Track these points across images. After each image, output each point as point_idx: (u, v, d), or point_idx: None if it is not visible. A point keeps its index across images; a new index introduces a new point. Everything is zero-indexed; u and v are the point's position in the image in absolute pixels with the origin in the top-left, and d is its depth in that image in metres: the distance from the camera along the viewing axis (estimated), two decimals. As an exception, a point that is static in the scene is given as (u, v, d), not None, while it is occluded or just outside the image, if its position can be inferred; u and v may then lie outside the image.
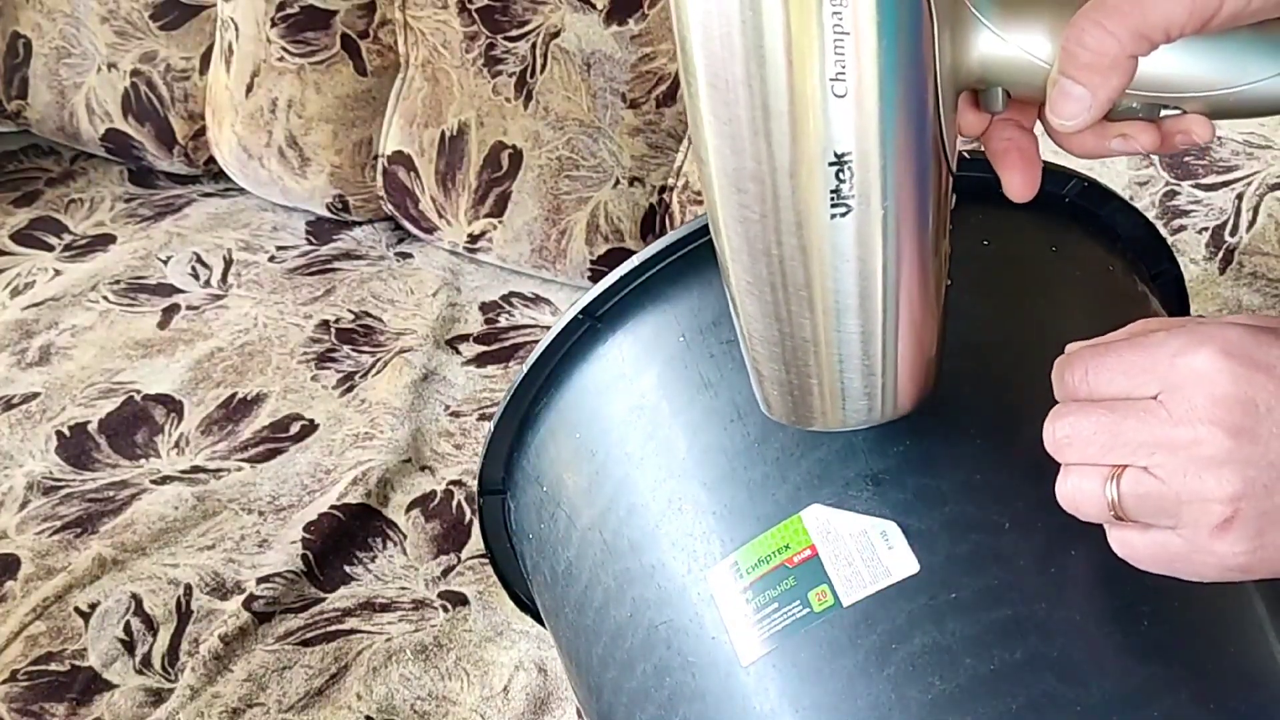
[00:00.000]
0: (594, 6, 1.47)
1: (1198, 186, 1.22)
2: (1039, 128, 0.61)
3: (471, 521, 1.28)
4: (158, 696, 1.12)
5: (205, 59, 1.74)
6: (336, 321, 1.54)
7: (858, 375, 0.63)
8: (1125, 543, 0.60)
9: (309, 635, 1.17)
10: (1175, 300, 0.90)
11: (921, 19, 0.52)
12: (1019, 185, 0.60)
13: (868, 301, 0.59)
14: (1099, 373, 0.59)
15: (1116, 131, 0.57)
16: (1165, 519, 0.58)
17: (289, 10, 1.61)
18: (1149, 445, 0.57)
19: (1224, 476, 0.56)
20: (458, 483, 1.32)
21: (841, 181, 0.54)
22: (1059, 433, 0.60)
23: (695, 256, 0.76)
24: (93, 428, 1.39)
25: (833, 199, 0.55)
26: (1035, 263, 0.79)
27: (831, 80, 0.51)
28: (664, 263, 0.75)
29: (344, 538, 1.26)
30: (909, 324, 0.62)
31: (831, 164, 0.54)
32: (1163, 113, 0.57)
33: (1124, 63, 0.53)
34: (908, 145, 0.54)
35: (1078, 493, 0.60)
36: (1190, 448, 0.56)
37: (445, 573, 1.23)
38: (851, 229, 0.56)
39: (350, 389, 1.44)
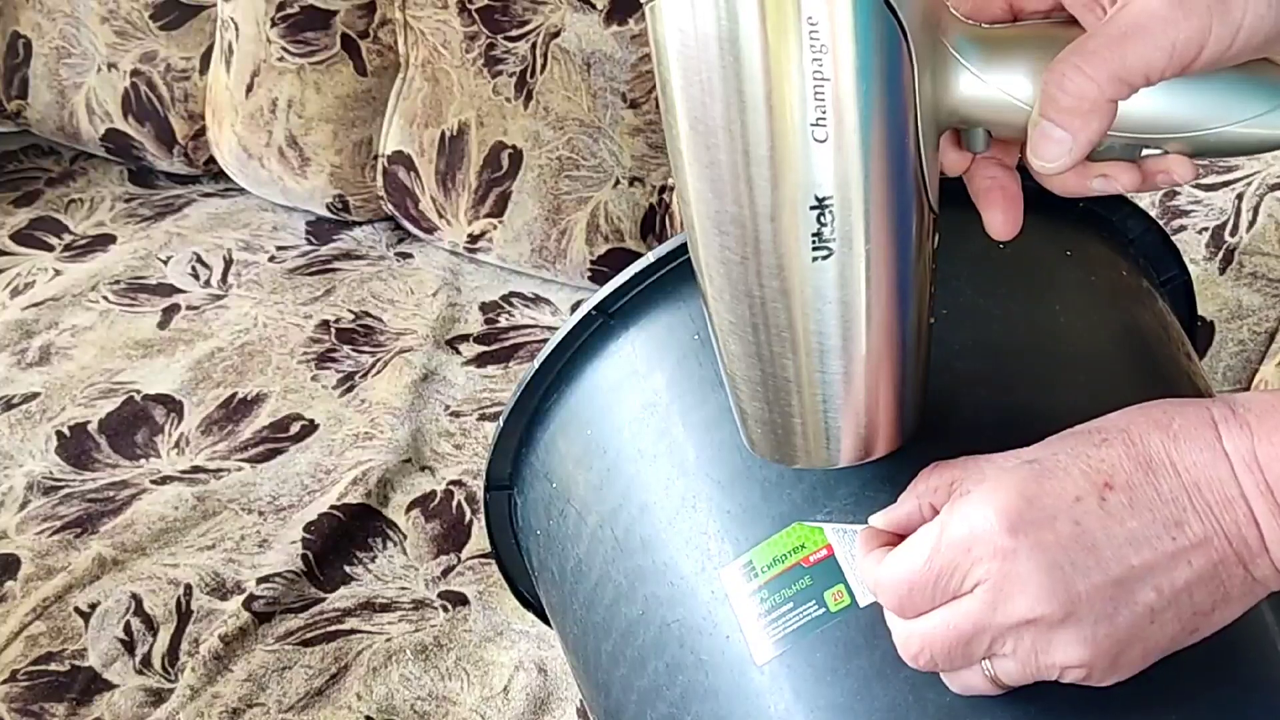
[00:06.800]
0: (594, 6, 1.47)
1: (1198, 186, 1.22)
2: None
3: (472, 522, 1.28)
4: (158, 696, 1.12)
5: (205, 59, 1.74)
6: (336, 321, 1.54)
7: (841, 415, 0.63)
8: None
9: (309, 635, 1.17)
10: (1184, 307, 0.91)
11: (901, 63, 0.52)
12: (1000, 224, 0.61)
13: (850, 343, 0.60)
14: (913, 596, 0.60)
15: (1097, 172, 0.58)
16: (1045, 678, 0.59)
17: (289, 10, 1.61)
18: (995, 638, 0.59)
19: (1068, 644, 0.57)
20: (458, 483, 1.32)
21: (823, 225, 0.55)
22: (921, 660, 0.61)
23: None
24: (93, 428, 1.39)
25: (814, 242, 0.55)
26: (1050, 266, 0.79)
27: (812, 125, 0.52)
28: (679, 260, 0.75)
29: (344, 538, 1.26)
30: (892, 364, 0.62)
31: (813, 208, 0.54)
32: (1144, 152, 0.58)
33: (1104, 107, 0.53)
34: (889, 188, 0.55)
35: (968, 689, 0.62)
36: (1029, 625, 0.58)
37: (445, 573, 1.23)
38: (833, 272, 0.56)
39: (350, 389, 1.44)
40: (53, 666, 1.15)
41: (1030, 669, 0.59)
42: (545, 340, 0.80)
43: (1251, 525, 0.56)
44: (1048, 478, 0.58)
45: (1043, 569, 0.56)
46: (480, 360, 1.49)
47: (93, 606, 1.19)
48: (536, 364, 0.79)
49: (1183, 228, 1.21)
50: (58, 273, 1.65)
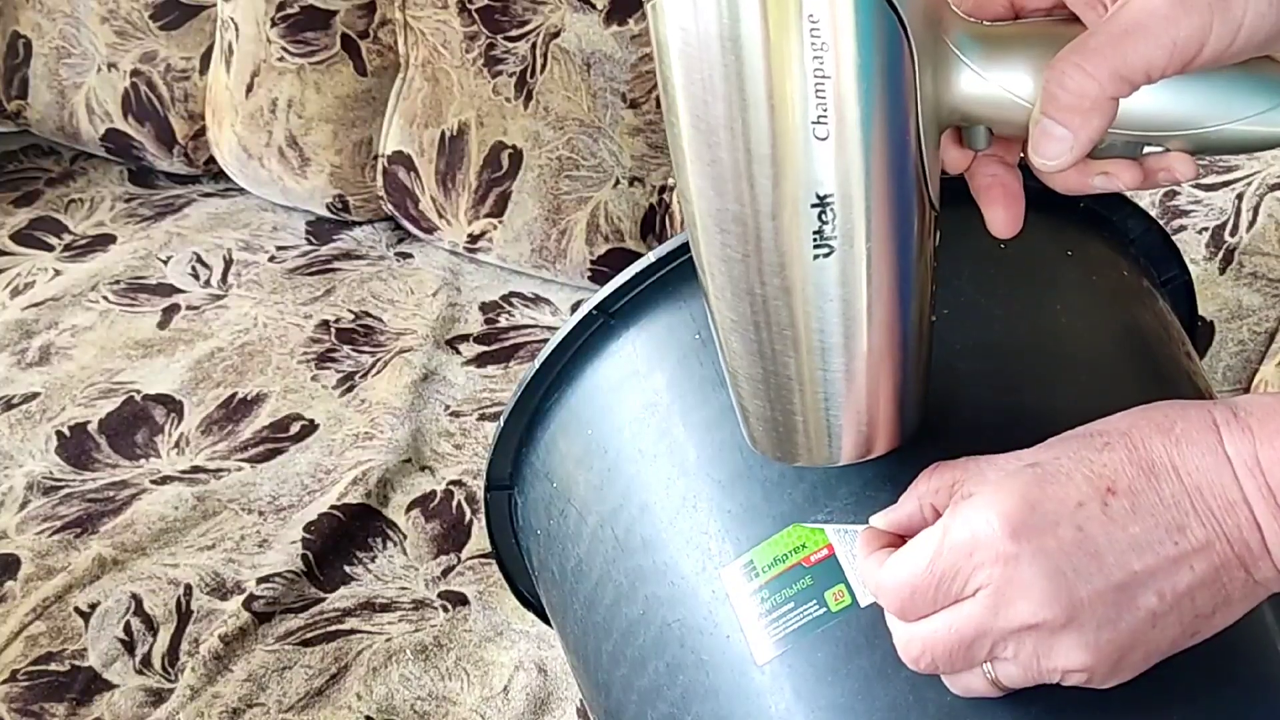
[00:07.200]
0: (594, 6, 1.47)
1: (1198, 186, 1.22)
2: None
3: (472, 521, 1.28)
4: (158, 696, 1.12)
5: (205, 59, 1.74)
6: (336, 321, 1.54)
7: (842, 413, 0.63)
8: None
9: (309, 635, 1.17)
10: (1184, 307, 0.91)
11: (902, 61, 0.52)
12: (1002, 221, 0.61)
13: (852, 340, 0.60)
14: (914, 599, 0.60)
15: (1099, 169, 0.58)
16: (1047, 681, 0.60)
17: (289, 10, 1.61)
18: (997, 642, 0.59)
19: (1070, 649, 0.58)
20: (458, 483, 1.32)
21: (824, 223, 0.55)
22: (922, 663, 0.61)
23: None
24: (93, 428, 1.39)
25: (815, 240, 0.55)
26: (1052, 266, 0.79)
27: (813, 123, 0.52)
28: (680, 259, 0.75)
29: (344, 538, 1.26)
30: (894, 362, 0.62)
31: (814, 205, 0.54)
32: (1145, 150, 0.57)
33: (1105, 104, 0.53)
34: (890, 186, 0.55)
35: (969, 691, 0.62)
36: (1031, 630, 0.58)
37: (445, 573, 1.23)
38: (835, 269, 0.56)
39: (350, 389, 1.44)
40: (53, 666, 1.15)
41: (1032, 673, 0.59)
42: (545, 340, 0.80)
43: (1253, 529, 0.56)
44: (1050, 482, 0.58)
45: (1045, 574, 0.56)
46: (480, 360, 1.49)
47: (93, 606, 1.19)
48: (537, 364, 0.79)
49: (1183, 228, 1.21)
50: (58, 273, 1.65)
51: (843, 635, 0.66)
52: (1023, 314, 0.76)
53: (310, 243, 1.69)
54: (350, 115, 1.63)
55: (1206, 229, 1.20)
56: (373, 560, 1.24)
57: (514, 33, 1.52)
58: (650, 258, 0.75)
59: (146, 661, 1.15)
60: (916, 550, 0.60)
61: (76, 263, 1.67)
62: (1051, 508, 0.57)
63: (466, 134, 1.56)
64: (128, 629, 1.17)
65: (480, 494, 0.95)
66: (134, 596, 1.20)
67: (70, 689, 1.13)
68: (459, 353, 1.50)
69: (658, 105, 1.48)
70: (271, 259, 1.66)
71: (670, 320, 0.76)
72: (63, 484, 1.32)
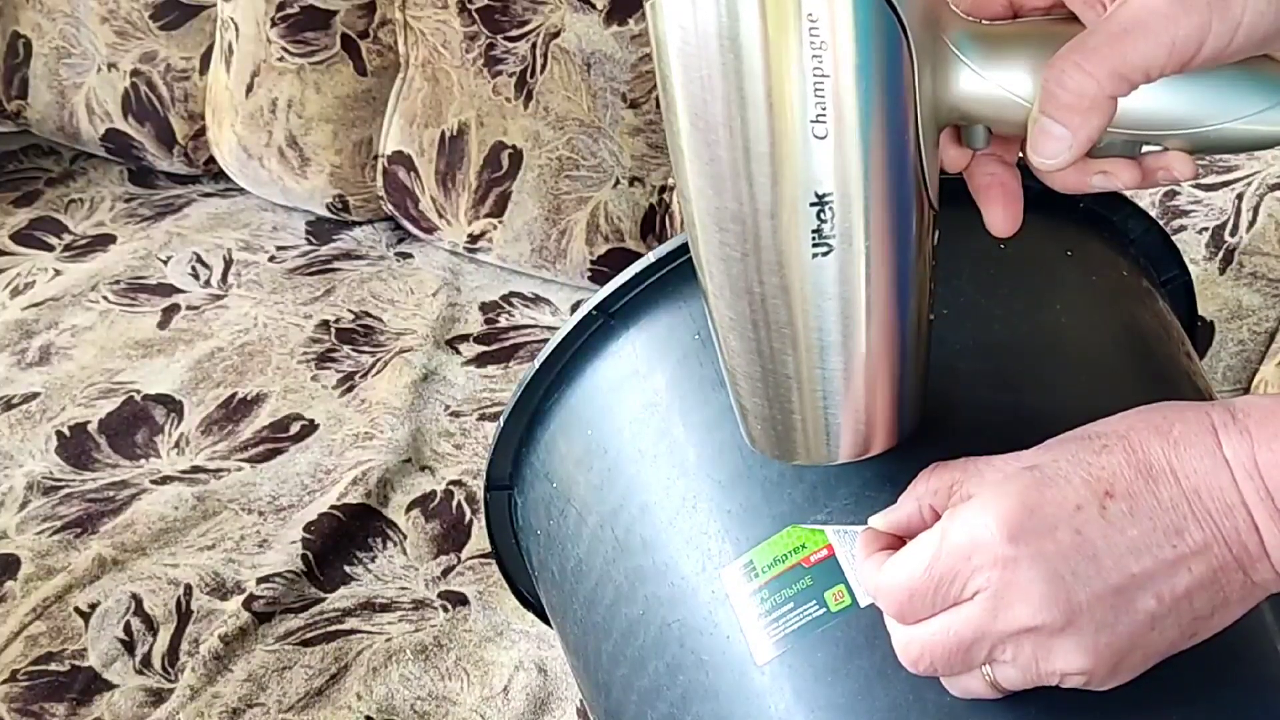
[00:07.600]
0: (594, 6, 1.47)
1: (1198, 186, 1.22)
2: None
3: (471, 521, 1.28)
4: (158, 696, 1.12)
5: (205, 59, 1.74)
6: (336, 321, 1.54)
7: (840, 411, 0.63)
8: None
9: (309, 635, 1.17)
10: (1184, 307, 0.91)
11: (901, 60, 0.52)
12: (1000, 220, 0.61)
13: (850, 339, 0.60)
14: (913, 602, 0.60)
15: (1098, 168, 0.58)
16: (1045, 684, 0.60)
17: (289, 10, 1.61)
18: (995, 645, 0.59)
19: (1069, 652, 0.58)
20: (458, 483, 1.32)
21: (823, 221, 0.55)
22: (921, 665, 0.61)
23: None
24: (93, 428, 1.39)
25: (814, 239, 0.55)
26: (1052, 266, 0.79)
27: (812, 122, 0.52)
28: (680, 259, 0.75)
29: (344, 538, 1.26)
30: (892, 360, 0.62)
31: (813, 204, 0.54)
32: (1144, 149, 0.57)
33: (1104, 103, 0.53)
34: (889, 184, 0.55)
35: (968, 693, 0.62)
36: (1029, 633, 0.58)
37: (445, 573, 1.23)
38: (833, 268, 0.57)
39: (350, 389, 1.44)
40: (53, 666, 1.15)
41: (1030, 675, 0.59)
42: (545, 340, 0.80)
43: (1251, 531, 0.56)
44: (1048, 486, 0.58)
45: (1043, 578, 0.57)
46: (480, 360, 1.49)
47: (93, 606, 1.19)
48: (537, 364, 0.79)
49: (1183, 228, 1.21)
50: (58, 273, 1.64)
51: (842, 636, 0.66)
52: (1023, 314, 0.76)
53: (310, 243, 1.69)
54: (350, 115, 1.63)
55: (1206, 229, 1.20)
56: (373, 560, 1.24)
57: (514, 33, 1.51)
58: (650, 258, 0.75)
59: (146, 661, 1.15)
60: (915, 553, 0.60)
61: (76, 263, 1.67)
62: (1050, 511, 0.57)
63: (466, 134, 1.56)
64: (128, 629, 1.17)
65: (480, 494, 0.94)
66: (134, 596, 1.20)
67: (70, 689, 1.13)
68: (459, 353, 1.50)
69: (658, 105, 1.47)
70: (271, 259, 1.66)
71: (670, 320, 0.76)
72: (63, 484, 1.32)
